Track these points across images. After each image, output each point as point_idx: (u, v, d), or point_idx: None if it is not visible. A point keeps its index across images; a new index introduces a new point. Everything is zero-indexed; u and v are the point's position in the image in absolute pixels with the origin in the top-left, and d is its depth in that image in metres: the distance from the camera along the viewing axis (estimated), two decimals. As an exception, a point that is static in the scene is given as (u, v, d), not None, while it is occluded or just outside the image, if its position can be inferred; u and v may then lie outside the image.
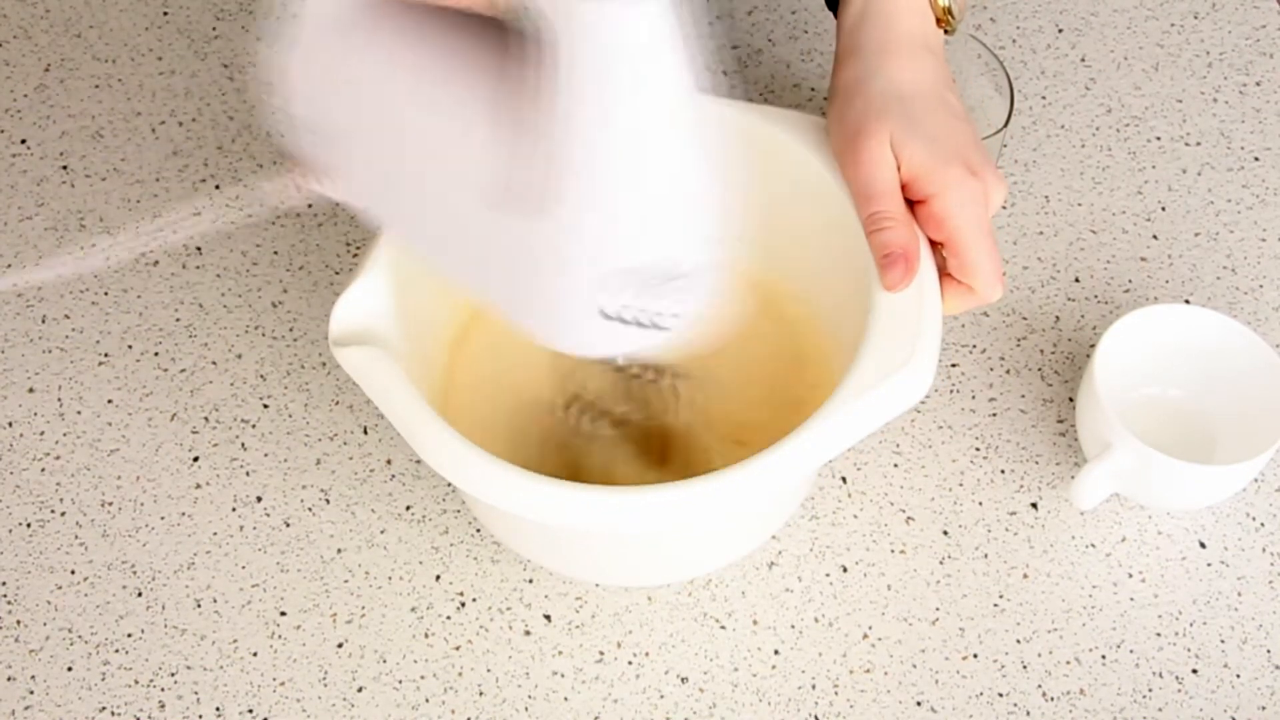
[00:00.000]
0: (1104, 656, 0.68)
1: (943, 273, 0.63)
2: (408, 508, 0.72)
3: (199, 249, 0.82)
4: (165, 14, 0.94)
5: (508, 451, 0.59)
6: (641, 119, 0.46)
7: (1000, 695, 0.66)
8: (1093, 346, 0.74)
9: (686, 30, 0.46)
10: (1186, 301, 0.79)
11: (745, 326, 0.73)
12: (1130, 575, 0.70)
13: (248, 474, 0.74)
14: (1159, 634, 0.68)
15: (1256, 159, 0.86)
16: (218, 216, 0.60)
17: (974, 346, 0.78)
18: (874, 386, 0.58)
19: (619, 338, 0.52)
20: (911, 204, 0.63)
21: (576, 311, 0.50)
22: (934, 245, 0.63)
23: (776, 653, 0.68)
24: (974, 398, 0.76)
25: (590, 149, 0.47)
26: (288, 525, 0.72)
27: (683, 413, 0.68)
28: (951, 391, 0.76)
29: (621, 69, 0.45)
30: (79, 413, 0.76)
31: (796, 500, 0.70)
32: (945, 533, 0.71)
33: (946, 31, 0.68)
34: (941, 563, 0.70)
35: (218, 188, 0.84)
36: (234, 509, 0.73)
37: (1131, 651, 0.68)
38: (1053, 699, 0.66)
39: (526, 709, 0.66)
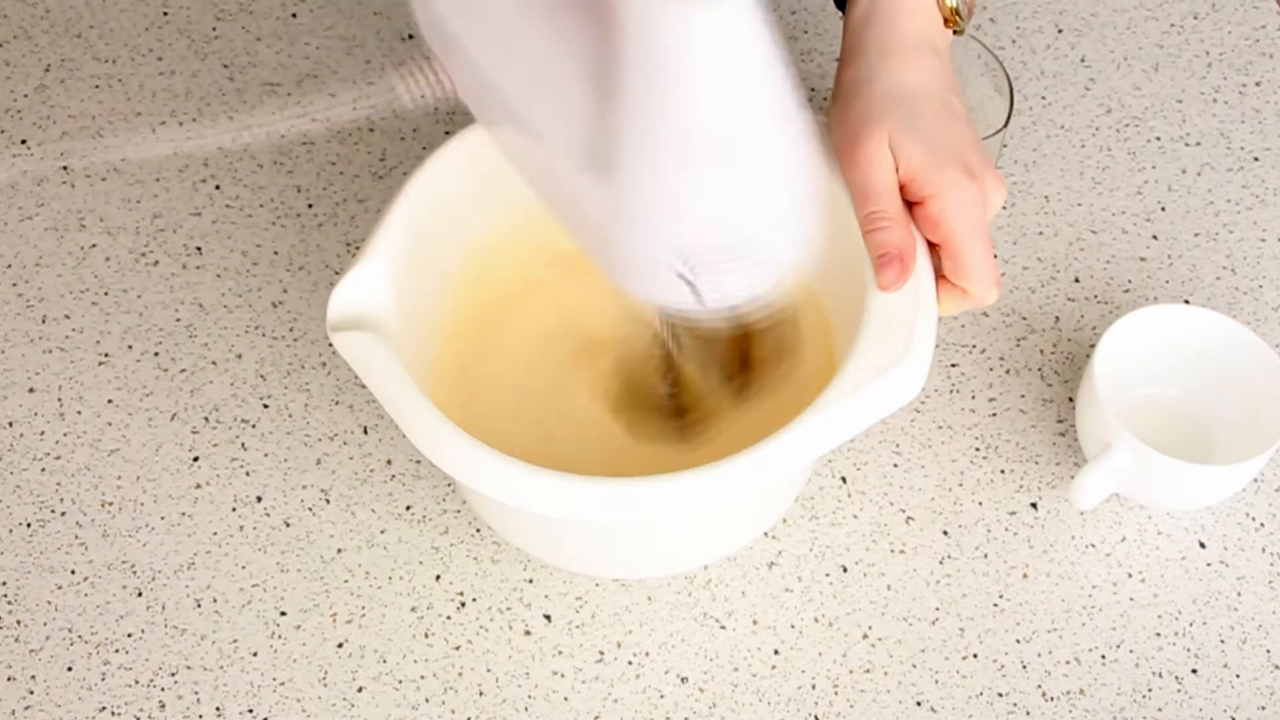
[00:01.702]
0: (1104, 656, 0.68)
1: (939, 274, 0.63)
2: (408, 508, 0.72)
3: (199, 249, 0.82)
4: (165, 14, 0.94)
5: (502, 440, 0.59)
6: (723, 102, 0.48)
7: (1000, 695, 0.66)
8: (1092, 346, 0.74)
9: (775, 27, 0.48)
10: (1186, 302, 0.79)
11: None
12: (1130, 575, 0.70)
13: (248, 474, 0.74)
14: (1159, 634, 0.68)
15: (1256, 159, 0.86)
16: (356, 106, 0.59)
17: (974, 347, 0.78)
18: (867, 384, 0.59)
19: (680, 293, 0.53)
20: (910, 205, 0.63)
21: (651, 264, 0.52)
22: (931, 247, 0.63)
23: (776, 653, 0.68)
24: (974, 398, 0.76)
25: (671, 125, 0.48)
26: (288, 525, 0.72)
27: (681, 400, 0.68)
28: (951, 391, 0.76)
29: (706, 56, 0.46)
30: (79, 413, 0.76)
31: (790, 496, 0.70)
32: (945, 533, 0.71)
33: (955, 32, 0.68)
34: (941, 563, 0.70)
35: (218, 188, 0.84)
36: (234, 509, 0.73)
37: (1131, 651, 0.68)
38: (1052, 699, 0.66)
39: (526, 709, 0.66)
